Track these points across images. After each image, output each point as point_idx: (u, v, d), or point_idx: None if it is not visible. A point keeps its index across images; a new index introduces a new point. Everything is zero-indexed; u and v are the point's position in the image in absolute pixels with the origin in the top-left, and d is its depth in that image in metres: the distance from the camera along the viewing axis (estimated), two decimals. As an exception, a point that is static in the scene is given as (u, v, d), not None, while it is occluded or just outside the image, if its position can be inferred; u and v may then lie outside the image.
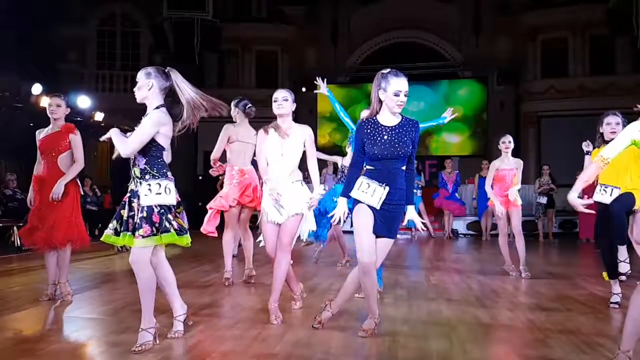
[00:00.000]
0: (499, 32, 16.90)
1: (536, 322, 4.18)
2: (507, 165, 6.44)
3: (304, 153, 4.24)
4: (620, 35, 14.73)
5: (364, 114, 5.05)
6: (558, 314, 4.47)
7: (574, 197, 3.19)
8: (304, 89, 16.05)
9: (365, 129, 3.60)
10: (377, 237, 3.60)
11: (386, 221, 3.58)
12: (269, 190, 4.11)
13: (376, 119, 3.63)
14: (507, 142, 6.41)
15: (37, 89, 11.28)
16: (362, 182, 3.60)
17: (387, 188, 3.54)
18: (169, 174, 3.44)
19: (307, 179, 4.24)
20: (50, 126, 4.88)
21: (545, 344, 3.56)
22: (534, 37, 16.86)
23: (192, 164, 17.23)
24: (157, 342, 3.41)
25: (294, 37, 17.88)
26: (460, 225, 13.43)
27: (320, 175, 4.50)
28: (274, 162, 4.17)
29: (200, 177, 16.04)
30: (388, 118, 3.61)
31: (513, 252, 6.67)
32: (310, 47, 17.92)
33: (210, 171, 5.95)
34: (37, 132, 4.93)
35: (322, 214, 6.39)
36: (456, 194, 12.75)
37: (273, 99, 4.22)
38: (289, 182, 4.15)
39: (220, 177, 12.43)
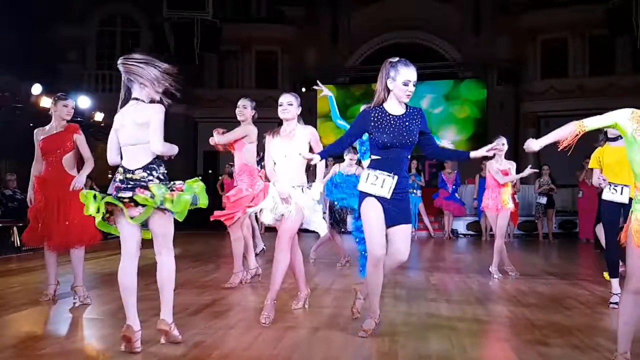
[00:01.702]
0: (499, 32, 16.89)
1: (536, 322, 4.18)
2: (500, 167, 6.50)
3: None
4: (620, 36, 14.73)
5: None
6: (558, 314, 4.46)
7: (535, 143, 3.07)
8: (303, 89, 16.05)
9: (372, 117, 3.59)
10: (393, 226, 3.59)
11: (399, 209, 3.58)
12: (277, 193, 4.17)
13: (383, 107, 3.62)
14: (500, 145, 6.46)
15: (37, 89, 11.28)
16: (369, 174, 3.59)
17: (396, 177, 3.54)
18: (117, 171, 3.39)
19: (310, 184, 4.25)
20: (54, 125, 4.81)
21: (545, 344, 3.56)
22: (534, 37, 16.85)
23: (192, 164, 17.23)
24: (137, 348, 3.24)
25: (294, 38, 17.88)
26: (460, 226, 13.42)
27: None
28: (279, 163, 4.25)
29: (200, 177, 16.04)
30: (395, 107, 3.61)
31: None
32: (310, 48, 17.90)
33: (212, 140, 5.66)
34: (35, 131, 4.86)
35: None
36: (456, 194, 12.75)
37: (279, 103, 4.29)
38: (290, 185, 4.19)
39: (220, 178, 12.48)
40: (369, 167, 3.64)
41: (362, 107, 5.07)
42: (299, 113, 4.33)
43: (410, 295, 5.27)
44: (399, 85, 3.53)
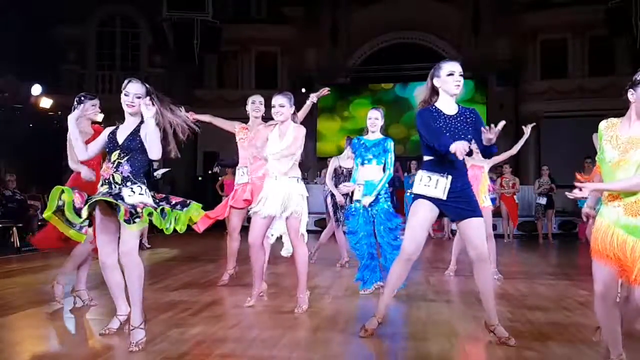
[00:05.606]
0: (498, 32, 16.89)
1: (536, 322, 4.18)
2: (478, 163, 6.51)
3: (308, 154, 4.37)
4: (620, 36, 14.73)
5: (372, 112, 5.19)
6: (558, 314, 4.47)
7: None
8: (303, 90, 16.06)
9: (431, 115, 3.53)
10: (461, 220, 3.52)
11: (462, 204, 3.49)
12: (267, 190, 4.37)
13: (437, 107, 3.59)
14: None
15: (37, 89, 11.29)
16: (422, 176, 3.53)
17: (450, 177, 3.47)
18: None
19: (306, 179, 4.33)
20: (85, 128, 4.61)
21: (545, 345, 3.56)
22: (534, 38, 16.86)
23: (192, 165, 17.23)
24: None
25: (294, 38, 17.87)
26: (459, 226, 13.41)
27: (319, 176, 4.61)
28: (278, 161, 4.38)
29: (200, 178, 16.04)
30: (448, 107, 3.58)
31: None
32: (310, 48, 17.89)
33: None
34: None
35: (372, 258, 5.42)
36: (456, 195, 12.73)
37: (272, 105, 4.37)
38: (286, 177, 4.36)
39: (220, 178, 12.46)
40: (422, 168, 3.58)
41: (370, 111, 5.33)
42: (292, 112, 4.39)
43: (410, 295, 5.27)
44: (444, 77, 3.54)
